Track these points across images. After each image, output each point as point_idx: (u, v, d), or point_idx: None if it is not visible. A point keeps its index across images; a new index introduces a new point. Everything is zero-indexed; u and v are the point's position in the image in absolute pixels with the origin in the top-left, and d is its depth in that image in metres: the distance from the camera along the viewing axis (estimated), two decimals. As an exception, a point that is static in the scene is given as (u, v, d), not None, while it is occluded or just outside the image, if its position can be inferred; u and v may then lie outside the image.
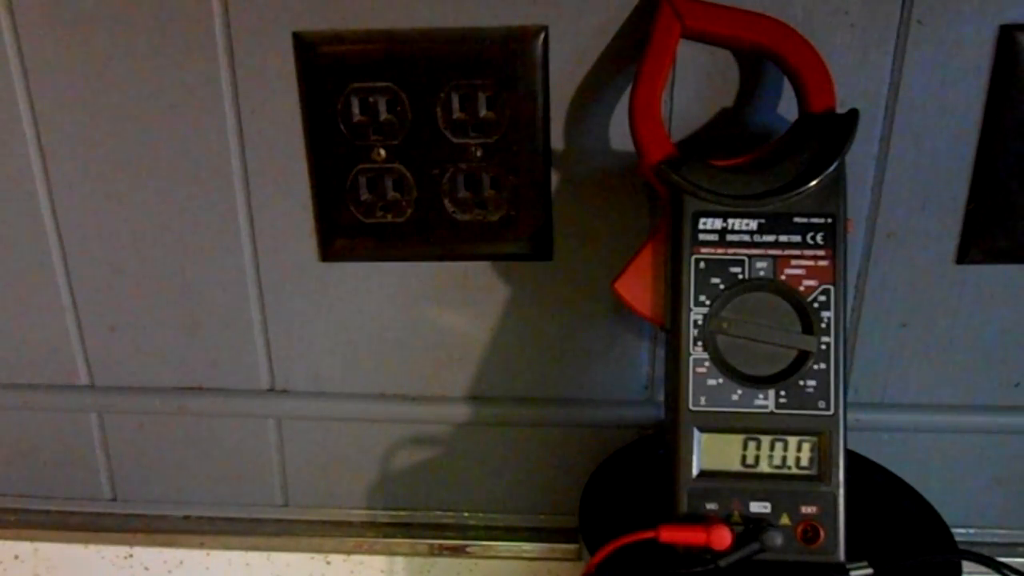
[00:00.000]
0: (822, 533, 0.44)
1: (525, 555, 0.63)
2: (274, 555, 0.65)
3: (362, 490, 0.63)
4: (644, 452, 0.56)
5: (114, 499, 0.66)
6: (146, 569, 0.67)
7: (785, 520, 0.44)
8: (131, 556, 0.66)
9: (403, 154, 0.52)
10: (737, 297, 0.45)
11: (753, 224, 0.44)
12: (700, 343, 0.45)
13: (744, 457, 0.45)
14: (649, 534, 0.43)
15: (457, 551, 0.63)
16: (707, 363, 0.45)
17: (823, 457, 0.44)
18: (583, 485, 0.52)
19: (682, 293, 0.45)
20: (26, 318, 0.60)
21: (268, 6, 0.50)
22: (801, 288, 0.44)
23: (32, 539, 0.67)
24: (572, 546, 0.63)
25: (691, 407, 0.45)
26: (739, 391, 0.45)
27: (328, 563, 0.65)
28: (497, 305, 0.57)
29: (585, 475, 0.53)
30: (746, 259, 0.44)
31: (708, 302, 0.44)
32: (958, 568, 0.45)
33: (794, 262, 0.44)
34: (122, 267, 0.58)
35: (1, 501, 0.67)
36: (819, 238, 0.44)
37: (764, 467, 0.45)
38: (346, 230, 0.55)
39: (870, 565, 0.44)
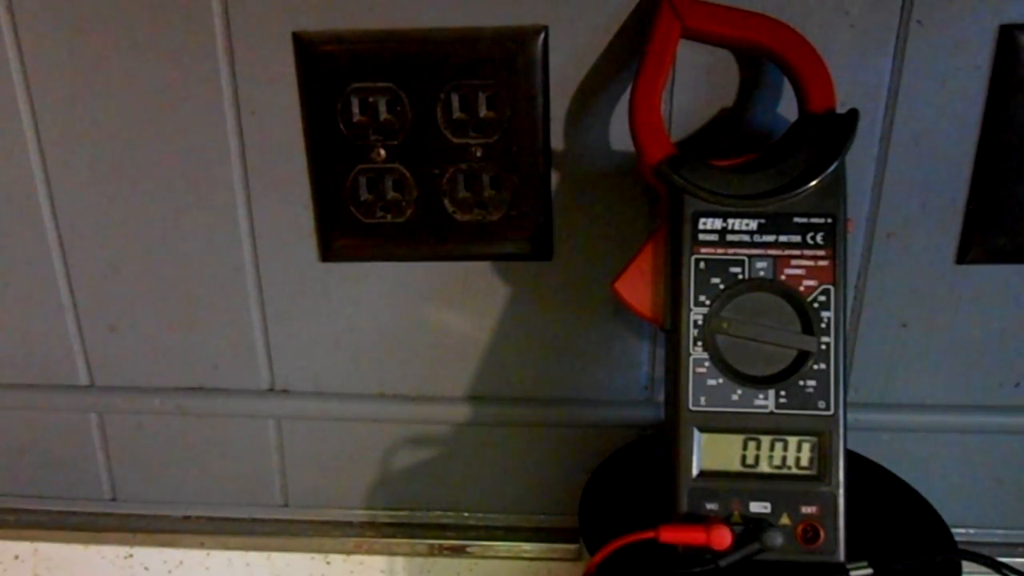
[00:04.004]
0: (822, 533, 0.44)
1: (525, 555, 0.63)
2: (274, 555, 0.65)
3: (362, 490, 0.63)
4: (644, 452, 0.56)
5: (114, 499, 0.66)
6: (146, 569, 0.67)
7: (785, 520, 0.44)
8: (131, 556, 0.66)
9: (403, 154, 0.52)
10: (737, 297, 0.45)
11: (753, 224, 0.44)
12: (700, 343, 0.45)
13: (744, 457, 0.45)
14: (649, 534, 0.43)
15: (457, 551, 0.63)
16: (707, 363, 0.45)
17: (823, 457, 0.44)
18: (583, 485, 0.52)
19: (682, 293, 0.45)
20: (26, 318, 0.60)
21: (268, 6, 0.50)
22: (801, 288, 0.44)
23: (32, 539, 0.67)
24: (572, 546, 0.63)
25: (691, 407, 0.45)
26: (739, 391, 0.45)
27: (328, 563, 0.65)
28: (497, 305, 0.57)
29: (585, 475, 0.53)
30: (746, 259, 0.44)
31: (708, 302, 0.44)
32: (958, 568, 0.45)
33: (794, 262, 0.44)
34: (122, 267, 0.58)
35: (1, 501, 0.67)
36: (819, 238, 0.44)
37: (764, 467, 0.45)
38: (346, 230, 0.55)
39: (870, 565, 0.44)
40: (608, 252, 0.55)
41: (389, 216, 0.54)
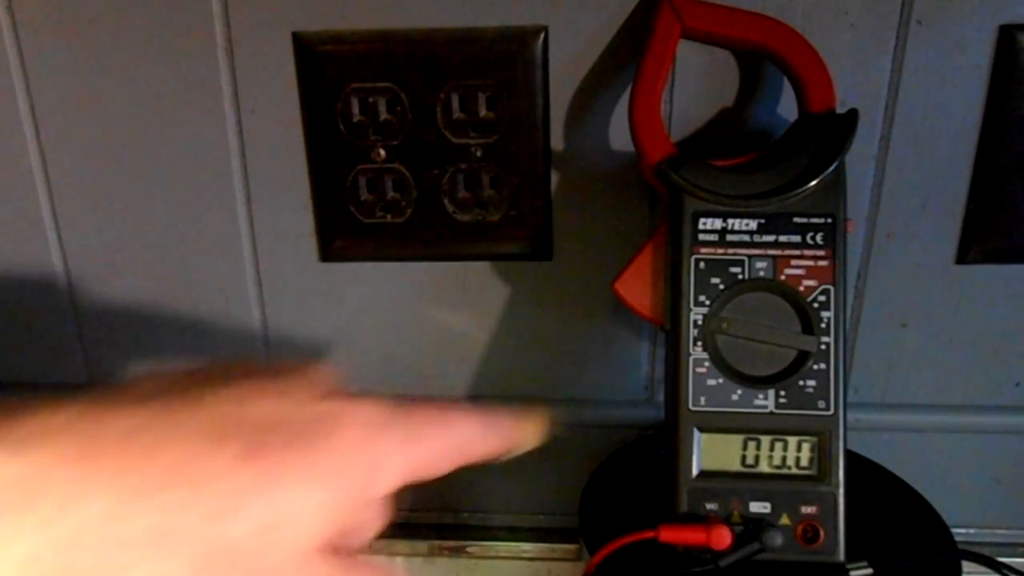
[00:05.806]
0: (822, 533, 0.44)
1: (525, 555, 0.63)
2: (274, 555, 0.65)
3: (362, 490, 0.63)
4: (644, 452, 0.56)
5: (114, 499, 0.66)
6: (146, 569, 0.67)
7: (785, 520, 0.44)
8: (131, 556, 0.66)
9: (403, 154, 0.52)
10: (737, 297, 0.45)
11: (753, 224, 0.44)
12: (700, 343, 0.45)
13: (744, 457, 0.45)
14: (649, 534, 0.43)
15: (457, 551, 0.63)
16: (707, 363, 0.45)
17: (823, 457, 0.44)
18: (583, 485, 0.52)
19: (682, 293, 0.45)
20: (26, 318, 0.60)
21: (268, 6, 0.50)
22: (801, 288, 0.44)
23: (32, 539, 0.66)
24: (572, 546, 0.63)
25: (691, 407, 0.45)
26: (739, 391, 0.45)
27: (328, 563, 0.65)
28: (497, 305, 0.57)
29: (585, 475, 0.53)
30: (746, 259, 0.44)
31: (708, 302, 0.44)
32: (958, 568, 0.45)
33: (794, 262, 0.44)
34: (122, 267, 0.58)
35: (1, 501, 0.67)
36: (819, 238, 0.44)
37: (764, 467, 0.45)
38: (346, 230, 0.55)
39: (870, 565, 0.44)
40: (608, 252, 0.54)
41: (389, 216, 0.54)
